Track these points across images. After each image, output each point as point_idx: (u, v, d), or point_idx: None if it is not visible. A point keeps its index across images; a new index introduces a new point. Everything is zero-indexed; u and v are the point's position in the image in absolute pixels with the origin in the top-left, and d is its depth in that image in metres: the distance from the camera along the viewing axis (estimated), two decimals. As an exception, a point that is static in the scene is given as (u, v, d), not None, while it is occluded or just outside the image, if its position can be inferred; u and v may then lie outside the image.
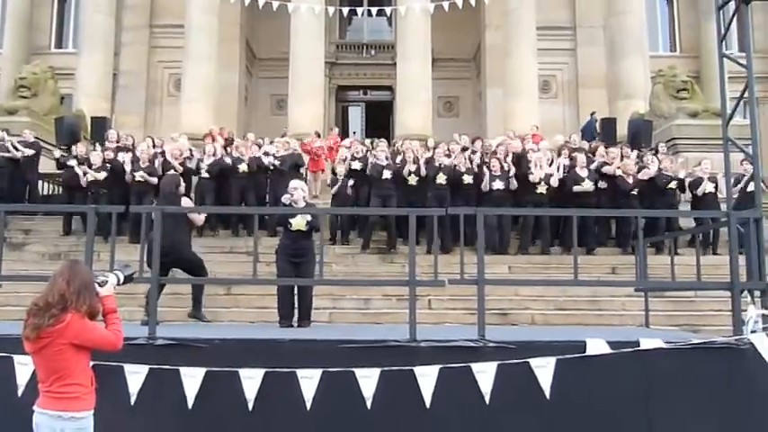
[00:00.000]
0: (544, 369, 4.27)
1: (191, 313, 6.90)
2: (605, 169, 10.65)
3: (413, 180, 10.40)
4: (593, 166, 10.70)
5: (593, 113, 16.47)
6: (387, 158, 10.78)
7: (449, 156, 10.94)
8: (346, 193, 10.59)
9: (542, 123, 16.59)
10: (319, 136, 14.61)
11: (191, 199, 7.83)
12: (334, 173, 11.26)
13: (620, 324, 7.99)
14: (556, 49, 20.52)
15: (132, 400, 4.11)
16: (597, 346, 4.37)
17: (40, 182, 12.68)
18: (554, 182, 10.40)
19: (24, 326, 2.99)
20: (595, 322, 8.12)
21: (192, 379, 4.13)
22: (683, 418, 4.37)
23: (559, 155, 11.38)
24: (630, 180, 10.47)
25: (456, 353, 4.33)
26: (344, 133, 19.40)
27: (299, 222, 6.40)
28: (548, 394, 4.23)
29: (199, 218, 7.01)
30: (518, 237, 10.50)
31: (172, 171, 9.92)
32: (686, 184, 10.75)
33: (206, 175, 10.91)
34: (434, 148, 11.45)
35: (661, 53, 21.85)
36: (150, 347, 4.31)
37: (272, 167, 11.14)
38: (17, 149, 11.70)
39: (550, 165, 10.91)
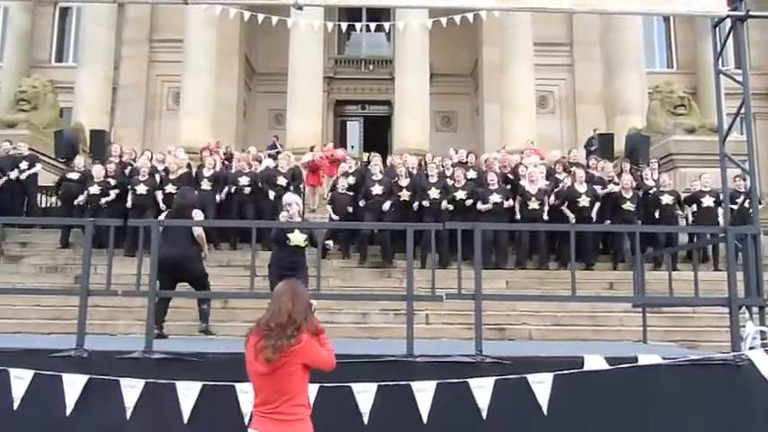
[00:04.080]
0: (542, 385, 4.25)
1: (201, 328, 6.82)
2: (604, 190, 10.67)
3: (405, 195, 10.43)
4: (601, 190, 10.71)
5: (595, 130, 16.47)
6: (381, 173, 10.82)
7: (443, 171, 11.01)
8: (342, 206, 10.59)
9: (540, 138, 16.68)
10: (312, 149, 14.63)
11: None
12: (333, 188, 11.28)
13: (617, 339, 7.97)
14: (553, 65, 20.69)
15: (128, 414, 4.08)
16: (595, 362, 4.36)
17: (38, 195, 12.68)
18: (551, 199, 10.39)
19: (256, 349, 2.95)
20: (593, 338, 8.10)
21: (187, 393, 4.10)
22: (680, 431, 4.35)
23: (554, 170, 11.44)
24: (629, 195, 10.49)
25: (453, 368, 4.31)
26: (342, 147, 19.43)
27: (297, 238, 6.40)
28: (545, 410, 4.21)
29: (199, 233, 6.94)
30: (515, 252, 10.52)
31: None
32: (682, 198, 10.83)
33: (208, 187, 10.88)
34: (428, 163, 11.53)
35: (658, 69, 22.01)
36: (146, 361, 4.29)
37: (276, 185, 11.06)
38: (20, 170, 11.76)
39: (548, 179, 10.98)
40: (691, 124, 13.75)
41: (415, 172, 11.37)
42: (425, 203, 10.32)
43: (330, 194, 11.32)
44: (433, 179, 10.64)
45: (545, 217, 10.38)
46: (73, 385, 4.11)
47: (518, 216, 10.35)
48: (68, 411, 4.08)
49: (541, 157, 13.24)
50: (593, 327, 8.48)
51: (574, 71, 21.30)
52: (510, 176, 11.24)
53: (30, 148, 12.55)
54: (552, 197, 10.51)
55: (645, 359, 4.42)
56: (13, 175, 11.65)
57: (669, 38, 23.25)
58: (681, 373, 4.45)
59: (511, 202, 10.32)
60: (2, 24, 22.97)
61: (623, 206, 10.39)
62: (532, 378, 4.24)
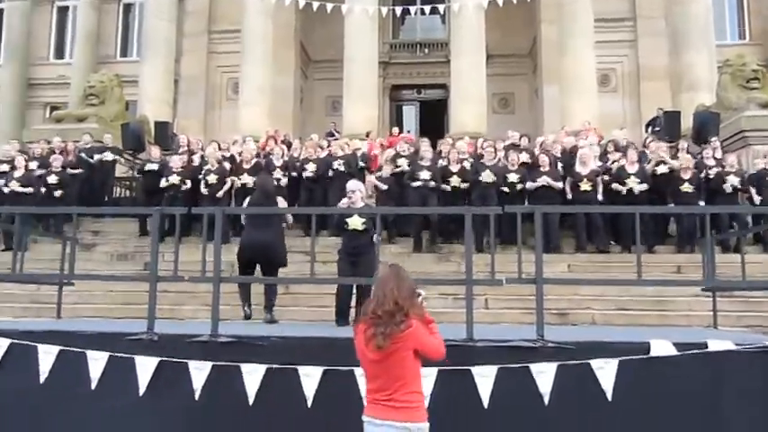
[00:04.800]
0: (605, 370, 4.15)
1: (267, 319, 7.01)
2: (654, 169, 10.28)
3: (456, 181, 10.33)
4: (648, 167, 10.34)
5: (660, 109, 15.84)
6: (429, 158, 10.72)
7: (496, 154, 10.86)
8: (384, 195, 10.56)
9: (601, 118, 16.19)
10: (368, 135, 14.68)
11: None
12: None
13: (686, 325, 7.71)
14: (615, 42, 19.98)
15: (197, 395, 4.24)
16: (662, 348, 4.22)
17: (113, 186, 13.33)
18: (599, 180, 10.11)
19: (366, 337, 3.01)
20: (660, 323, 7.86)
21: (252, 376, 4.22)
22: (754, 424, 4.17)
23: (606, 151, 11.09)
24: (688, 176, 10.05)
25: (514, 353, 4.26)
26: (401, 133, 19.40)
27: (354, 222, 6.47)
28: (609, 396, 4.12)
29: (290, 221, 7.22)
30: (573, 236, 10.28)
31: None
32: (746, 178, 10.34)
33: (280, 175, 11.10)
34: (482, 147, 11.38)
35: (728, 42, 20.92)
36: (213, 345, 4.43)
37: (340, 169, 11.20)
38: (92, 158, 12.37)
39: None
40: (765, 99, 13.01)
41: (466, 157, 11.24)
42: (482, 181, 10.20)
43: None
44: (488, 163, 10.52)
45: (599, 198, 10.11)
46: (145, 367, 4.29)
47: (569, 197, 10.08)
48: (141, 392, 4.27)
49: (600, 138, 12.88)
50: (659, 312, 8.22)
51: (637, 47, 20.50)
52: (560, 158, 11.00)
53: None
54: (602, 178, 10.20)
55: (716, 345, 4.26)
56: (96, 157, 12.27)
57: (741, 7, 22.01)
58: (754, 361, 4.26)
59: (559, 184, 10.08)
60: (71, 24, 24.00)
61: (681, 187, 9.97)
62: (596, 363, 4.15)
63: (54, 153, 12.09)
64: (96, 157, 12.45)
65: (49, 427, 4.38)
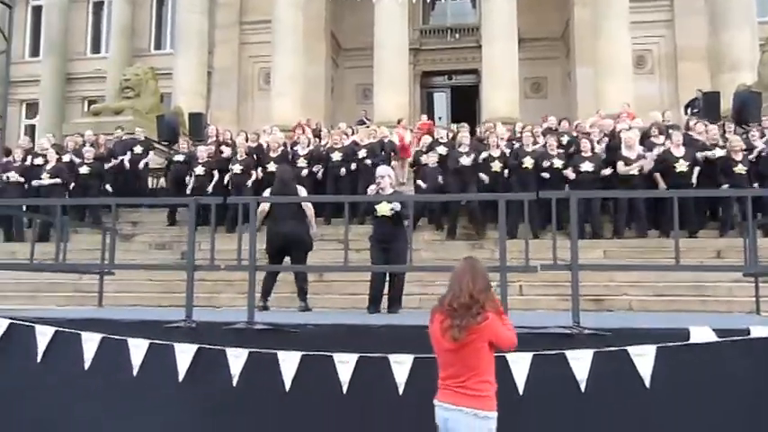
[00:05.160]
0: (643, 357, 4.08)
1: (301, 308, 7.05)
2: (704, 154, 9.97)
3: (497, 166, 10.23)
4: (700, 155, 10.04)
5: (699, 90, 15.41)
6: (468, 145, 10.64)
7: (535, 140, 10.71)
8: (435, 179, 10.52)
9: (637, 100, 15.84)
10: (399, 122, 14.64)
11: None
12: (415, 163, 11.18)
13: (726, 311, 7.53)
14: (651, 22, 19.48)
15: (234, 382, 4.32)
16: (702, 334, 4.13)
17: (148, 177, 13.54)
18: (648, 165, 9.86)
19: (442, 327, 3.09)
20: (699, 309, 7.69)
21: (288, 362, 4.27)
22: (801, 411, 4.06)
23: (648, 135, 10.82)
24: (739, 157, 9.75)
25: (549, 340, 4.23)
26: (431, 119, 19.29)
27: (382, 208, 6.47)
28: (647, 383, 4.06)
29: (310, 211, 7.19)
30: (611, 221, 10.11)
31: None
32: None
33: (304, 164, 11.18)
34: (521, 132, 11.23)
35: (771, 19, 20.20)
36: (250, 332, 4.50)
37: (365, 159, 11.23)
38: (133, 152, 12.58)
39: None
40: (810, 78, 12.59)
41: (505, 142, 11.11)
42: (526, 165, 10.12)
43: (416, 168, 11.20)
44: (528, 148, 10.39)
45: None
46: (184, 354, 4.38)
47: (639, 177, 9.81)
48: (180, 378, 4.37)
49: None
50: (699, 297, 8.05)
51: (674, 27, 19.94)
52: (604, 141, 10.79)
53: (146, 136, 13.42)
54: (650, 164, 9.98)
55: (758, 331, 4.15)
56: (126, 158, 12.51)
57: (784, -18, 21.21)
58: (800, 347, 4.14)
59: (607, 171, 9.89)
60: (107, 19, 24.44)
61: (735, 169, 9.64)
62: (633, 350, 4.09)
63: (85, 146, 12.38)
64: (121, 157, 12.60)
65: (93, 412, 4.51)
